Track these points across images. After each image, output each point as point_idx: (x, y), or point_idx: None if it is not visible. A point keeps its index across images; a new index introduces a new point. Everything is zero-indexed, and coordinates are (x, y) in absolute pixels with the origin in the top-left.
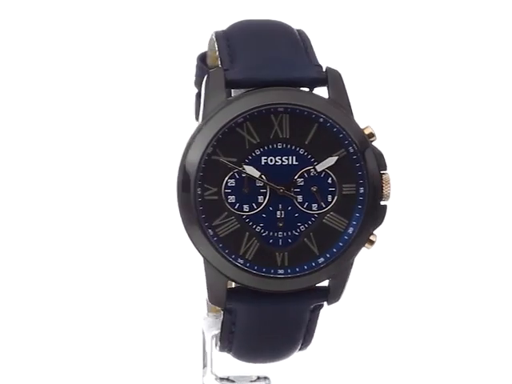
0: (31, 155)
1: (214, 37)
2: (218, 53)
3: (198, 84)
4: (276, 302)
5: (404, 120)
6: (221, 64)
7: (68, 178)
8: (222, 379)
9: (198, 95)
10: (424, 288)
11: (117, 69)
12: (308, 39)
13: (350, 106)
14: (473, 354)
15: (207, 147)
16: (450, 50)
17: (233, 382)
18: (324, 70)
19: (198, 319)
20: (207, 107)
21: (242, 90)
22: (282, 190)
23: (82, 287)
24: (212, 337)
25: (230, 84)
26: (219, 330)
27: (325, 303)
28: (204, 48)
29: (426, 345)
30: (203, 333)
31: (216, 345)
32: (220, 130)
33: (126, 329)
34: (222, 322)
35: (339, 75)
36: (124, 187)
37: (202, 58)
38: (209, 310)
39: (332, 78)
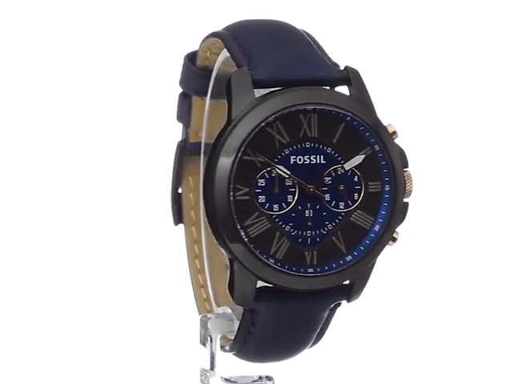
0: (29, 155)
1: (216, 37)
2: (224, 54)
3: (184, 84)
4: (301, 301)
5: (404, 118)
6: (237, 65)
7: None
8: (226, 380)
9: (183, 95)
10: (429, 288)
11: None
12: (315, 39)
13: (372, 105)
14: (474, 353)
15: (240, 147)
16: (449, 46)
17: (235, 382)
18: (342, 69)
19: (195, 319)
20: (237, 107)
21: (261, 91)
22: (311, 189)
23: (79, 287)
24: (220, 338)
25: (256, 84)
26: (226, 330)
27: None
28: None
29: (431, 345)
30: (207, 334)
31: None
32: (253, 130)
33: (126, 329)
34: (241, 322)
35: (359, 74)
36: (114, 187)
37: (191, 58)
38: (200, 312)
39: (354, 77)
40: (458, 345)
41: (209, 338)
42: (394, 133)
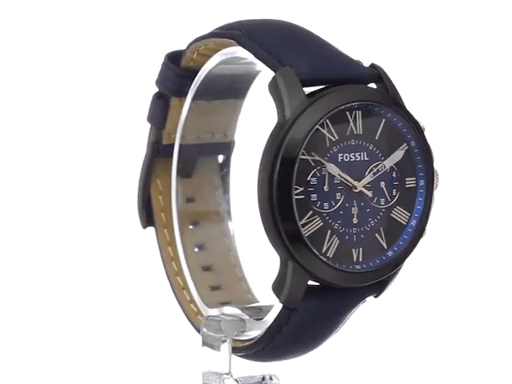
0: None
1: (222, 38)
2: (221, 55)
3: (161, 83)
4: (341, 298)
5: None
6: (269, 66)
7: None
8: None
9: (158, 95)
10: (428, 287)
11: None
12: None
13: (403, 101)
14: (475, 353)
15: (301, 147)
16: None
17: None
18: (369, 66)
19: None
20: (289, 106)
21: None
22: (358, 186)
23: (79, 289)
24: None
25: (303, 83)
26: (239, 331)
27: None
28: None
29: (438, 345)
30: (223, 336)
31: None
32: (311, 129)
33: (126, 330)
34: (274, 322)
35: (385, 72)
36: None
37: (174, 58)
38: (189, 314)
39: (384, 75)
40: (460, 346)
41: (227, 341)
42: (424, 128)
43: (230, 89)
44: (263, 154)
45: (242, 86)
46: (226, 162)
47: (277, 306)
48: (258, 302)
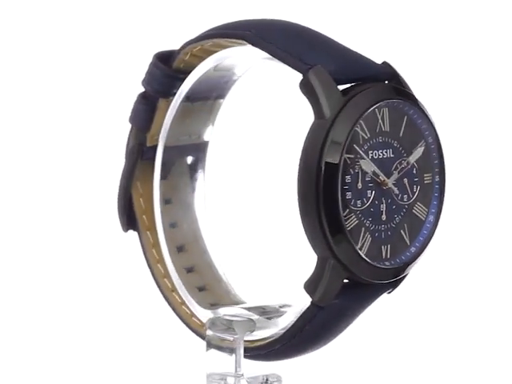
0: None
1: (231, 38)
2: (219, 56)
3: (148, 83)
4: (366, 294)
5: None
6: (291, 66)
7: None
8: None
9: (143, 95)
10: (429, 286)
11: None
12: None
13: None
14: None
15: (344, 148)
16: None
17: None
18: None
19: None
20: (327, 105)
21: None
22: (388, 183)
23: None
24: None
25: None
26: (250, 330)
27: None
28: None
29: (443, 345)
30: (236, 338)
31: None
32: (351, 129)
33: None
34: (297, 321)
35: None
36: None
37: (164, 58)
38: (183, 316)
39: (398, 72)
40: (462, 346)
41: (240, 342)
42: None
43: (211, 90)
44: (304, 153)
45: (224, 87)
46: (201, 162)
47: (295, 305)
48: (245, 302)
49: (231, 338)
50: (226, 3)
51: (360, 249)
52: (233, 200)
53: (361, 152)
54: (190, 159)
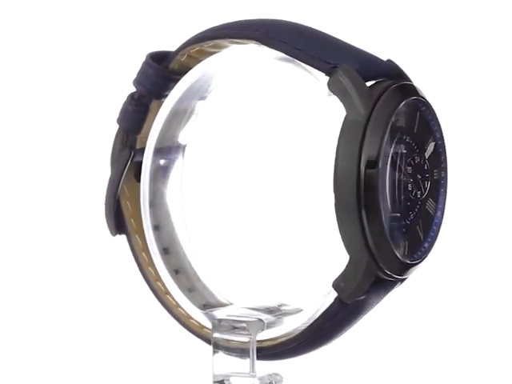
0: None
1: (238, 38)
2: (217, 57)
3: (140, 83)
4: (383, 290)
5: None
6: (312, 65)
7: None
8: None
9: (134, 97)
10: (429, 286)
11: None
12: None
13: None
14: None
15: (381, 145)
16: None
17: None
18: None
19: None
20: (361, 103)
21: None
22: (406, 178)
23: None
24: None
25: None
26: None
27: None
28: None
29: (445, 344)
30: (252, 339)
31: None
32: (386, 127)
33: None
34: (319, 318)
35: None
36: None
37: (159, 58)
38: (181, 318)
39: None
40: (463, 347)
41: (254, 343)
42: None
43: (198, 90)
44: (341, 150)
45: (206, 89)
46: (177, 164)
47: (311, 303)
48: (232, 303)
49: (245, 339)
50: (217, 4)
51: (395, 248)
52: (213, 202)
53: (391, 149)
54: (170, 161)
